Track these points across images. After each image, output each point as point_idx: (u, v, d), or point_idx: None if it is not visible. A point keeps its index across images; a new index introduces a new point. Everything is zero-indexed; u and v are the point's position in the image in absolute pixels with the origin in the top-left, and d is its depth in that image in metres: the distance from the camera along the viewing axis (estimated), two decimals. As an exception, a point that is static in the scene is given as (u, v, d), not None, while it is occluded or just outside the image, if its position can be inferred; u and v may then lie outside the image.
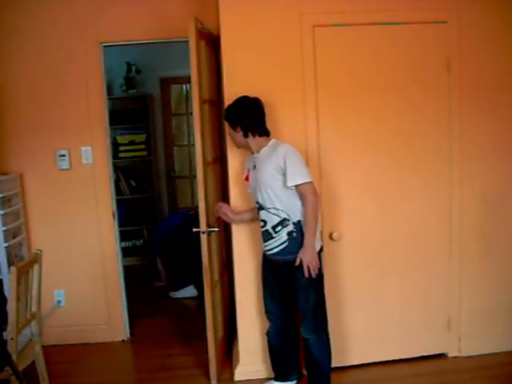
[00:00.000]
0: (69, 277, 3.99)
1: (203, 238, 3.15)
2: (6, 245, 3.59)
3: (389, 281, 3.39)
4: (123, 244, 5.16)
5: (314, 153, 3.22)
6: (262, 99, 2.96)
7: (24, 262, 3.03)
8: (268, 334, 3.18)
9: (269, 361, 3.26)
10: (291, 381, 3.24)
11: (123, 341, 4.10)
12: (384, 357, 3.46)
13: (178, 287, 5.11)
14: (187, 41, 3.01)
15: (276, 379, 3.25)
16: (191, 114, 3.38)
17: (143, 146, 6.27)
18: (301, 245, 2.85)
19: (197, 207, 3.20)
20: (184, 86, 6.50)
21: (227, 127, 3.05)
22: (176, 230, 5.10)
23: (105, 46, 3.83)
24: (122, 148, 6.19)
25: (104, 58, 3.85)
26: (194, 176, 4.02)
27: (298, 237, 2.87)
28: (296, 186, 2.81)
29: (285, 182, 2.81)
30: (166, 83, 6.43)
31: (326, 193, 3.24)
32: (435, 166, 3.36)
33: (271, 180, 2.84)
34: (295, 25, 3.14)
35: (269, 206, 2.88)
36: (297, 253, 2.84)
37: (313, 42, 3.16)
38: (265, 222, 2.93)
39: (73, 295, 4.00)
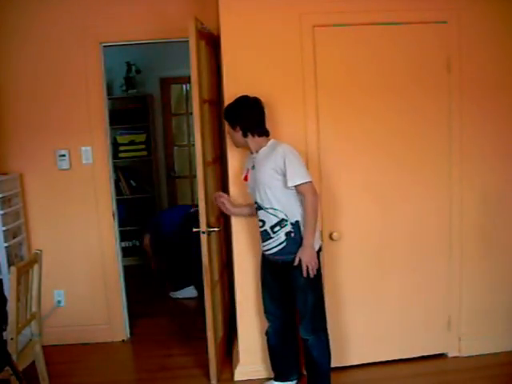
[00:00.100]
0: (69, 277, 3.99)
1: (203, 237, 3.15)
2: (6, 245, 3.59)
3: (389, 281, 3.39)
4: (123, 244, 5.15)
5: (314, 153, 3.22)
6: (262, 99, 2.96)
7: (24, 262, 3.03)
8: (267, 334, 3.18)
9: (269, 361, 3.26)
10: (291, 381, 3.24)
11: (123, 341, 4.10)
12: (384, 357, 3.46)
13: (178, 287, 5.11)
14: (187, 41, 3.01)
15: (276, 379, 3.25)
16: (191, 114, 3.38)
17: (143, 146, 6.27)
18: (299, 245, 2.85)
19: (197, 205, 3.19)
20: (184, 86, 6.50)
21: (227, 127, 3.05)
22: (176, 229, 5.08)
23: (105, 46, 3.83)
24: (121, 148, 6.19)
25: (104, 58, 3.85)
26: (194, 176, 4.01)
27: (296, 237, 2.87)
28: (296, 186, 2.81)
29: (284, 183, 2.81)
30: (166, 83, 6.42)
31: (326, 193, 3.24)
32: (435, 166, 3.36)
33: (270, 180, 2.84)
34: (295, 25, 3.15)
35: (267, 206, 2.88)
36: (295, 253, 2.84)
37: (313, 42, 3.16)
38: (263, 221, 2.93)
39: (73, 295, 4.01)
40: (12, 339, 2.74)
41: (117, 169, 5.75)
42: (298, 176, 2.80)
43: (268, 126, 2.99)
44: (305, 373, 3.13)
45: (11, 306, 2.73)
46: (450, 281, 3.45)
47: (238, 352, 3.44)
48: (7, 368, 2.61)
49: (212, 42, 3.50)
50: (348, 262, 3.34)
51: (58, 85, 3.81)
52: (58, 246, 3.93)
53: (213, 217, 3.36)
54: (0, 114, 3.80)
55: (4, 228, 3.57)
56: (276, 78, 3.18)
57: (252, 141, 2.96)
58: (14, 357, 2.71)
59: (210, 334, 3.25)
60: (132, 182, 6.30)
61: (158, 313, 4.76)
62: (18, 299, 2.79)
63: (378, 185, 3.32)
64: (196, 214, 3.19)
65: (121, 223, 4.22)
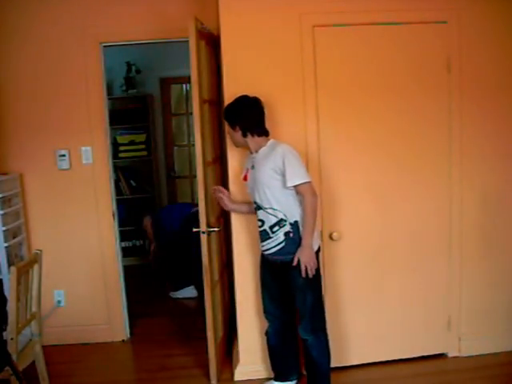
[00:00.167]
0: (69, 277, 3.99)
1: (203, 237, 3.15)
2: (6, 245, 3.59)
3: (389, 281, 3.39)
4: (123, 244, 5.15)
5: (314, 153, 3.22)
6: (262, 99, 2.96)
7: (24, 262, 3.03)
8: (267, 334, 3.18)
9: (269, 361, 3.26)
10: (291, 381, 3.24)
11: (123, 341, 4.10)
12: (384, 357, 3.46)
13: (178, 287, 5.11)
14: (187, 41, 3.01)
15: (276, 379, 3.25)
16: (191, 114, 3.38)
17: (143, 146, 6.28)
18: (298, 245, 2.85)
19: (197, 204, 3.19)
20: (184, 86, 6.50)
21: (227, 126, 3.05)
22: (176, 230, 5.07)
23: (105, 46, 3.83)
24: (121, 148, 6.19)
25: (104, 58, 3.85)
26: (194, 176, 4.01)
27: (294, 237, 2.87)
28: (295, 186, 2.81)
29: (283, 183, 2.81)
30: (166, 83, 6.42)
31: (326, 193, 3.24)
32: (435, 166, 3.36)
33: (269, 180, 2.84)
34: (295, 25, 3.15)
35: (266, 206, 2.88)
36: (294, 253, 2.84)
37: (313, 42, 3.16)
38: (262, 221, 2.93)
39: (73, 295, 4.01)
40: (12, 339, 2.74)
41: (117, 169, 5.75)
42: (297, 176, 2.80)
43: (268, 125, 2.99)
44: (305, 373, 3.13)
45: (11, 306, 2.73)
46: (450, 281, 3.45)
47: (237, 352, 3.44)
48: (7, 368, 2.61)
49: (212, 42, 3.50)
50: (348, 262, 3.34)
51: (58, 85, 3.81)
52: (58, 246, 3.93)
53: (213, 217, 3.36)
54: (0, 114, 3.80)
55: (4, 228, 3.58)
56: (276, 78, 3.18)
57: (251, 141, 2.95)
58: (14, 357, 2.71)
59: (209, 334, 3.25)
60: (132, 182, 6.30)
61: (158, 313, 4.76)
62: (18, 299, 2.79)
63: (378, 185, 3.32)
64: (197, 214, 3.19)
65: (121, 223, 4.22)
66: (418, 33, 3.25)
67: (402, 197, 3.35)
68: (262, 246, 2.99)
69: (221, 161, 3.77)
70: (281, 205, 2.85)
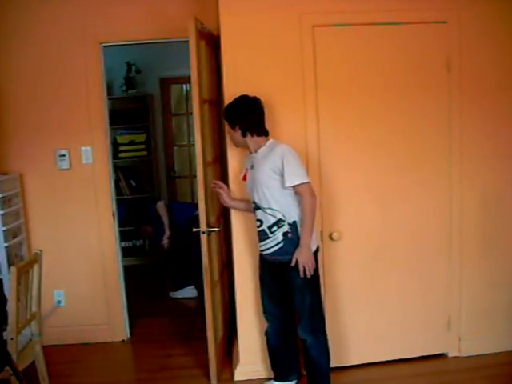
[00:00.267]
0: (69, 277, 3.99)
1: (203, 237, 3.15)
2: (6, 245, 3.59)
3: (389, 281, 3.39)
4: (123, 244, 5.15)
5: (314, 153, 3.22)
6: (262, 99, 2.96)
7: (24, 262, 3.03)
8: (267, 334, 3.18)
9: (269, 361, 3.26)
10: (291, 381, 3.24)
11: (123, 341, 4.10)
12: (384, 357, 3.46)
13: (178, 287, 5.11)
14: (187, 41, 3.01)
15: (276, 379, 3.25)
16: (191, 114, 3.38)
17: (143, 146, 6.28)
18: (296, 245, 2.85)
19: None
20: (184, 86, 6.50)
21: (226, 126, 3.05)
22: (181, 227, 5.03)
23: (105, 46, 3.83)
24: (121, 148, 6.20)
25: (104, 58, 3.85)
26: (194, 176, 4.01)
27: (293, 237, 2.87)
28: (293, 186, 2.81)
29: (282, 183, 2.81)
30: (166, 83, 6.42)
31: (326, 193, 3.25)
32: (435, 166, 3.36)
33: (268, 180, 2.84)
34: (295, 25, 3.15)
35: (265, 206, 2.88)
36: (292, 253, 2.84)
37: (313, 42, 3.16)
38: (261, 221, 2.93)
39: (73, 295, 4.01)
40: (12, 339, 2.74)
41: (117, 169, 5.75)
42: (296, 176, 2.80)
43: (268, 125, 2.99)
44: (305, 373, 3.13)
45: (11, 306, 2.73)
46: (450, 281, 3.45)
47: (237, 352, 3.44)
48: (7, 368, 2.61)
49: (212, 42, 3.50)
50: (348, 262, 3.34)
51: (58, 85, 3.81)
52: (58, 246, 3.93)
53: (213, 217, 3.36)
54: (0, 114, 3.80)
55: (4, 228, 3.58)
56: (276, 78, 3.18)
57: (251, 140, 2.95)
58: (14, 357, 2.71)
59: (209, 334, 3.25)
60: (132, 181, 6.30)
61: (158, 313, 4.76)
62: (18, 299, 2.79)
63: (378, 185, 3.32)
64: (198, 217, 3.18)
65: (121, 223, 4.22)
66: (418, 33, 3.25)
67: (401, 197, 3.35)
68: (261, 246, 2.99)
69: (221, 161, 3.77)
70: (279, 205, 2.85)
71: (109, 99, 4.16)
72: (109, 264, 4.01)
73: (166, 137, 6.55)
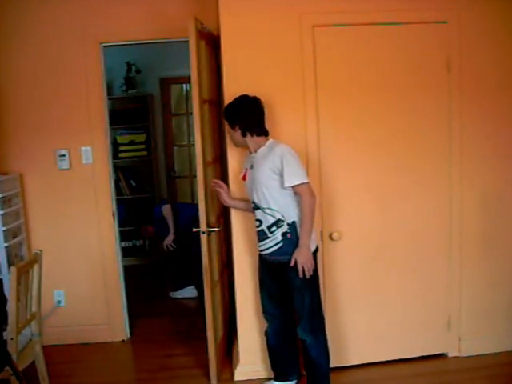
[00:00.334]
0: (69, 277, 3.99)
1: (203, 237, 3.15)
2: (6, 245, 3.59)
3: (389, 281, 3.39)
4: (123, 244, 5.15)
5: (314, 153, 3.22)
6: (262, 99, 2.96)
7: (24, 262, 3.03)
8: (266, 334, 3.18)
9: (269, 361, 3.26)
10: (291, 381, 3.24)
11: (123, 341, 4.10)
12: (384, 357, 3.46)
13: (178, 287, 5.11)
14: (187, 41, 3.01)
15: (276, 379, 3.25)
16: (191, 114, 3.38)
17: (143, 146, 6.28)
18: (295, 245, 2.85)
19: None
20: (184, 86, 6.50)
21: (226, 126, 3.05)
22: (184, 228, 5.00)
23: (105, 46, 3.83)
24: (121, 148, 6.19)
25: (104, 58, 3.85)
26: (194, 176, 4.01)
27: (292, 237, 2.86)
28: (293, 186, 2.81)
29: (281, 183, 2.81)
30: (166, 83, 6.42)
31: (326, 193, 3.25)
32: (435, 166, 3.36)
33: (267, 180, 2.84)
34: (295, 25, 3.14)
35: (264, 206, 2.88)
36: (291, 254, 2.84)
37: (313, 42, 3.16)
38: (260, 221, 2.93)
39: (73, 295, 4.01)
40: (12, 339, 2.74)
41: (117, 169, 5.76)
42: (296, 176, 2.80)
43: (268, 125, 2.99)
44: (305, 373, 3.13)
45: (11, 306, 2.73)
46: (450, 281, 3.45)
47: (238, 352, 3.44)
48: (7, 368, 2.62)
49: (212, 42, 3.50)
50: (348, 262, 3.34)
51: (58, 85, 3.81)
52: (58, 246, 3.93)
53: (213, 217, 3.36)
54: (0, 114, 3.80)
55: (4, 228, 3.58)
56: (276, 78, 3.18)
57: (251, 140, 2.95)
58: (14, 357, 2.71)
59: (209, 334, 3.25)
60: (132, 181, 6.30)
61: (158, 313, 4.76)
62: (18, 299, 2.79)
63: (378, 185, 3.32)
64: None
65: (121, 223, 4.22)
66: (418, 33, 3.25)
67: (401, 197, 3.35)
68: (260, 246, 2.99)
69: (221, 161, 3.77)
70: (279, 205, 2.85)
71: (109, 99, 4.16)
72: (109, 264, 4.01)
73: (166, 137, 6.55)
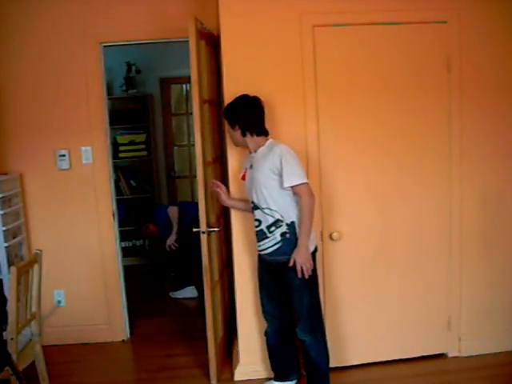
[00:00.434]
0: (69, 277, 3.99)
1: (203, 237, 3.15)
2: (6, 245, 3.59)
3: (389, 281, 3.39)
4: (123, 244, 5.15)
5: (314, 153, 3.22)
6: (262, 99, 2.96)
7: (24, 262, 3.03)
8: (266, 334, 3.18)
9: (268, 361, 3.26)
10: (291, 381, 3.24)
11: (123, 341, 4.10)
12: (384, 357, 3.46)
13: (178, 287, 5.11)
14: (187, 41, 3.01)
15: (276, 379, 3.25)
16: (191, 114, 3.38)
17: (143, 146, 6.28)
18: (294, 246, 2.84)
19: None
20: (184, 86, 6.50)
21: (226, 125, 3.05)
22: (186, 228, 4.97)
23: (105, 46, 3.83)
24: (121, 148, 6.20)
25: (104, 58, 3.85)
26: (194, 176, 4.01)
27: (291, 238, 2.86)
28: (292, 186, 2.81)
29: (280, 183, 2.81)
30: (166, 83, 6.42)
31: (326, 193, 3.25)
32: (435, 166, 3.36)
33: (266, 180, 2.84)
34: (295, 25, 3.14)
35: (263, 206, 2.88)
36: (290, 254, 2.84)
37: (313, 41, 3.16)
38: (259, 221, 2.93)
39: (73, 295, 4.01)
40: (12, 339, 2.74)
41: (117, 169, 5.76)
42: (295, 176, 2.80)
43: (268, 125, 2.99)
44: (304, 373, 3.13)
45: (11, 306, 2.73)
46: (450, 281, 3.45)
47: (237, 352, 3.44)
48: (7, 368, 2.62)
49: (212, 42, 3.50)
50: (348, 262, 3.34)
51: (58, 85, 3.81)
52: (58, 246, 3.93)
53: (213, 217, 3.36)
54: (0, 114, 3.80)
55: (4, 228, 3.58)
56: (276, 77, 3.18)
57: (251, 140, 2.95)
58: (14, 357, 2.71)
59: (209, 334, 3.25)
60: (132, 181, 6.30)
61: (158, 313, 4.76)
62: (18, 299, 2.79)
63: (378, 185, 3.32)
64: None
65: (121, 223, 4.22)
66: (418, 33, 3.25)
67: (401, 197, 3.35)
68: (259, 246, 2.99)
69: (221, 161, 3.77)
70: (278, 205, 2.85)
71: (109, 99, 4.16)
72: (109, 264, 4.01)
73: (166, 137, 6.55)
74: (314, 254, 2.92)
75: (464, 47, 3.27)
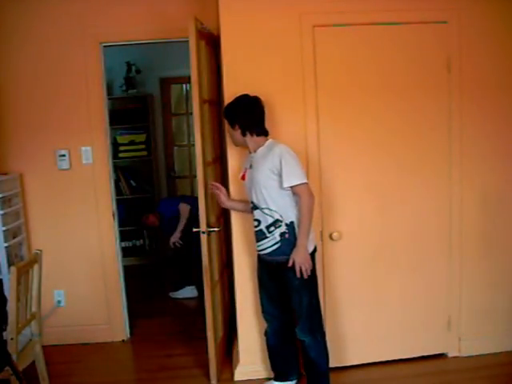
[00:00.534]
0: (69, 277, 3.99)
1: (203, 237, 3.15)
2: (6, 245, 3.59)
3: (389, 281, 3.39)
4: (123, 244, 5.15)
5: (314, 153, 3.22)
6: (262, 99, 2.96)
7: (24, 262, 3.03)
8: (266, 334, 3.18)
9: (268, 361, 3.26)
10: (291, 380, 3.24)
11: (123, 341, 4.10)
12: (384, 357, 3.46)
13: (179, 287, 5.11)
14: (187, 41, 3.01)
15: (276, 379, 3.25)
16: (191, 114, 3.38)
17: (143, 146, 6.28)
18: (293, 246, 2.84)
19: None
20: (184, 86, 6.50)
21: (226, 125, 3.05)
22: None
23: (105, 46, 3.83)
24: (121, 148, 6.20)
25: (104, 58, 3.85)
26: (194, 176, 4.01)
27: (290, 238, 2.86)
28: (292, 186, 2.81)
29: (280, 183, 2.81)
30: (166, 83, 6.43)
31: (326, 192, 3.25)
32: (435, 166, 3.36)
33: (266, 180, 2.84)
34: (295, 25, 3.14)
35: (263, 206, 2.88)
36: (289, 254, 2.84)
37: (313, 42, 3.16)
38: (259, 221, 2.93)
39: (73, 295, 4.01)
40: (12, 339, 2.74)
41: (117, 169, 5.76)
42: (295, 177, 2.80)
43: (268, 125, 2.99)
44: (304, 373, 3.13)
45: (11, 306, 2.73)
46: (450, 281, 3.45)
47: (238, 352, 3.44)
48: (7, 368, 2.62)
49: (212, 42, 3.50)
50: (348, 262, 3.34)
51: (58, 85, 3.81)
52: (58, 246, 3.93)
53: (213, 217, 3.36)
54: (0, 114, 3.80)
55: (4, 228, 3.58)
56: (276, 78, 3.18)
57: (251, 140, 2.95)
58: (14, 357, 2.71)
59: (209, 334, 3.25)
60: (132, 181, 6.31)
61: (158, 313, 4.76)
62: (18, 299, 2.79)
63: (378, 185, 3.32)
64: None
65: (121, 223, 4.22)
66: (418, 33, 3.25)
67: (401, 197, 3.35)
68: (258, 246, 2.99)
69: (221, 161, 3.77)
70: (277, 205, 2.85)
71: (109, 99, 4.16)
72: (109, 264, 4.01)
73: (166, 137, 6.55)
74: (313, 254, 2.92)
75: (464, 47, 3.27)
